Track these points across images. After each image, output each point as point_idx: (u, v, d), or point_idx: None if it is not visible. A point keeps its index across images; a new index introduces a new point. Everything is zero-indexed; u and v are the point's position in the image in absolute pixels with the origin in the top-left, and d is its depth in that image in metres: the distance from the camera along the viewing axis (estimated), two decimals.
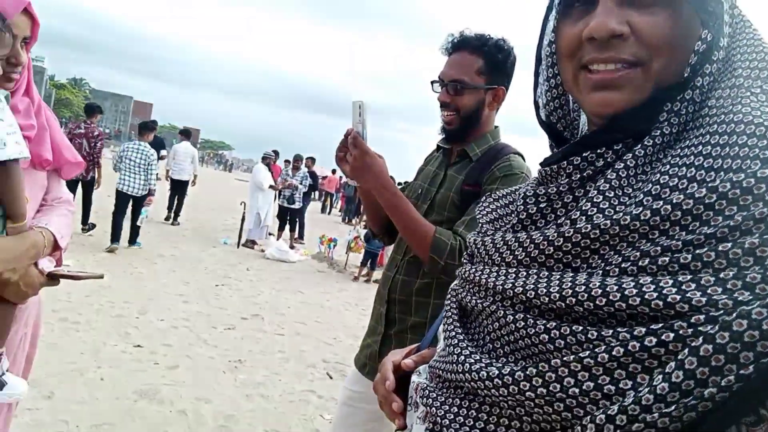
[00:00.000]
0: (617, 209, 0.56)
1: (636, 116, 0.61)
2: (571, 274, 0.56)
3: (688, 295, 0.47)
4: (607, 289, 0.51)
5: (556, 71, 0.70)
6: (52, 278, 1.42)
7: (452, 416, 0.63)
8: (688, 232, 0.51)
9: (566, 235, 0.57)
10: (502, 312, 0.60)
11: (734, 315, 0.43)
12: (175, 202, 11.20)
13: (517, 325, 0.58)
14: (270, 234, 11.07)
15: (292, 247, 10.38)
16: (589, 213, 0.58)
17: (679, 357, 0.44)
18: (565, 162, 0.64)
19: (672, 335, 0.46)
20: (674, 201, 0.52)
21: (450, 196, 1.70)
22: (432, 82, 1.73)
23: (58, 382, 3.43)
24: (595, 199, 0.58)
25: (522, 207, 0.67)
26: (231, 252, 9.35)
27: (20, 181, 1.31)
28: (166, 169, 11.25)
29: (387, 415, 0.85)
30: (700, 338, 0.44)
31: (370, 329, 1.85)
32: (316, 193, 20.35)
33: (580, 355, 0.50)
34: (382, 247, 8.91)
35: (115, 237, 7.58)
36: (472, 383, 0.60)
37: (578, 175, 0.63)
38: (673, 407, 0.44)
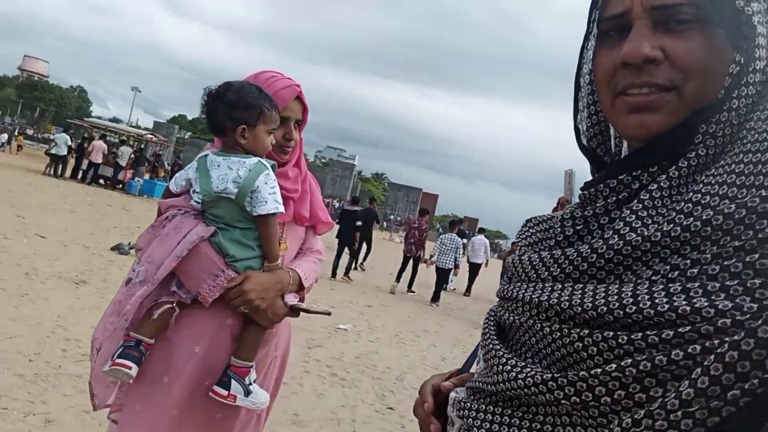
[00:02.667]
0: (649, 227, 0.57)
1: (671, 138, 0.62)
2: (604, 286, 0.56)
3: (716, 302, 0.47)
4: (639, 297, 0.52)
5: (595, 98, 0.71)
6: (294, 311, 1.73)
7: (488, 424, 0.64)
8: (718, 246, 0.51)
9: (599, 251, 0.58)
10: (539, 325, 0.61)
11: (759, 321, 0.43)
12: (468, 280, 15.22)
13: (554, 336, 0.59)
14: None
15: None
16: (622, 231, 0.58)
17: (705, 363, 0.44)
18: (602, 185, 0.65)
19: (698, 347, 0.46)
20: (704, 217, 0.52)
21: None
22: None
23: (318, 427, 3.88)
24: (627, 219, 0.59)
25: (560, 229, 0.68)
26: None
27: (276, 231, 1.66)
28: (466, 255, 15.23)
29: None
30: (726, 344, 0.44)
31: None
32: None
33: (607, 368, 0.51)
34: None
35: (435, 298, 11.60)
36: (516, 390, 0.60)
37: (614, 197, 0.64)
38: (696, 407, 0.44)
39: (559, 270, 0.63)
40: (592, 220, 0.66)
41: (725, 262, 0.50)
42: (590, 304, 0.55)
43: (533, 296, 0.64)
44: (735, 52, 0.60)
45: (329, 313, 1.85)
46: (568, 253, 0.62)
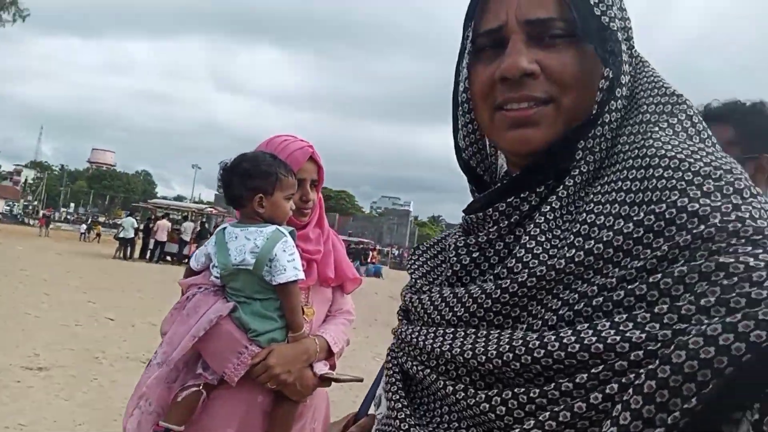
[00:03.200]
0: (550, 253, 0.57)
1: (553, 156, 0.62)
2: (509, 332, 0.54)
3: (627, 334, 0.46)
4: (545, 340, 0.50)
5: (472, 116, 0.70)
6: (324, 380, 1.64)
7: None
8: (621, 267, 0.51)
9: (503, 286, 0.56)
10: (442, 382, 0.59)
11: (672, 347, 0.42)
12: None
13: (458, 396, 0.56)
14: None
15: None
16: (525, 259, 0.57)
17: (625, 398, 0.43)
18: (490, 209, 0.64)
19: (616, 386, 0.45)
20: (604, 239, 0.52)
21: None
22: None
23: None
24: (528, 245, 0.58)
25: (455, 259, 0.66)
26: None
27: (297, 299, 1.59)
28: None
29: None
30: (643, 375, 0.43)
31: None
32: None
33: (525, 426, 0.48)
34: None
35: None
36: None
37: (506, 222, 0.63)
38: None
39: (463, 310, 0.60)
40: (487, 248, 0.64)
41: (629, 286, 0.49)
42: (494, 352, 0.53)
43: (434, 345, 0.60)
44: (603, 66, 0.61)
45: (361, 380, 1.75)
46: (472, 292, 0.60)
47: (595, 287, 0.51)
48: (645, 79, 0.66)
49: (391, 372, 0.70)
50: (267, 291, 1.57)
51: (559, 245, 0.57)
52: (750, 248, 0.46)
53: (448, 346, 0.58)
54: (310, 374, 1.59)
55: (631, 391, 0.43)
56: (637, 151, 0.57)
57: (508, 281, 0.56)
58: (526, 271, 0.56)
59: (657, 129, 0.60)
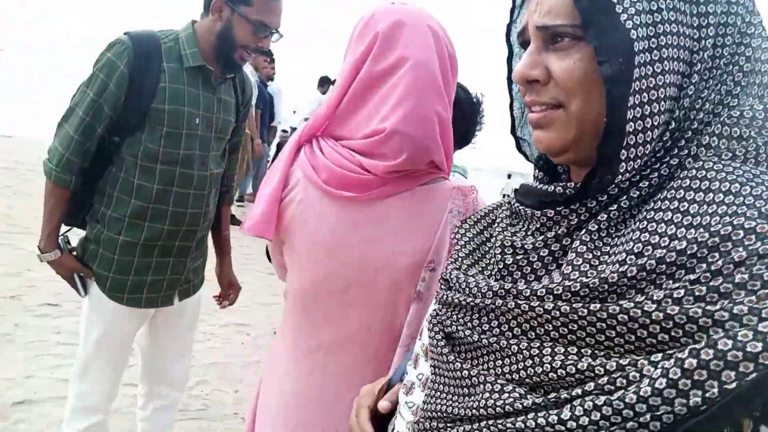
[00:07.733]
0: (596, 266, 0.57)
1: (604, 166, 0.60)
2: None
3: (708, 308, 0.47)
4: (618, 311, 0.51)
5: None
6: None
7: None
8: (675, 280, 0.51)
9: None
10: (505, 341, 0.59)
11: (721, 333, 0.44)
12: None
13: (531, 352, 0.56)
14: None
15: None
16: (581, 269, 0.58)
17: (666, 365, 0.46)
18: (538, 212, 0.65)
19: (660, 355, 0.48)
20: (658, 255, 0.52)
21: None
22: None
23: None
24: (575, 262, 0.59)
25: (499, 256, 0.67)
26: None
27: None
28: None
29: None
30: (686, 351, 0.45)
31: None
32: None
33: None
34: None
35: None
36: (505, 417, 0.56)
37: (552, 233, 0.63)
38: (661, 410, 0.45)
39: (537, 323, 0.58)
40: (531, 252, 0.65)
41: (687, 294, 0.49)
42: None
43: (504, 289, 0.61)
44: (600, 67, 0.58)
45: None
46: (547, 307, 0.57)
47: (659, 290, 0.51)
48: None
49: (436, 340, 0.69)
50: None
51: (607, 260, 0.57)
52: None
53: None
54: None
55: (672, 362, 0.45)
56: (695, 171, 0.57)
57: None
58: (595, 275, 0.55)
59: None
